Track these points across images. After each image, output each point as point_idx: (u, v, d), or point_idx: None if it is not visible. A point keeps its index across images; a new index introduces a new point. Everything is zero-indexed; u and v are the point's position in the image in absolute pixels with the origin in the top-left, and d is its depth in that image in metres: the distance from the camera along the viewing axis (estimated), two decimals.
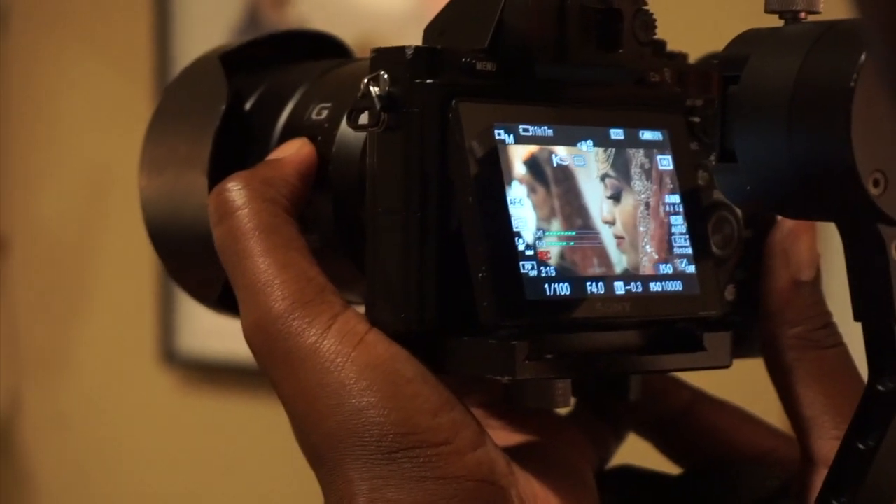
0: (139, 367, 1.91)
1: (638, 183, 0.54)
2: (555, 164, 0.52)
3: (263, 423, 1.67)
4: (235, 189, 0.53)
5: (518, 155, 0.51)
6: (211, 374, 1.85)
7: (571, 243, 0.51)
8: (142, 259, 1.80)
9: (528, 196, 0.51)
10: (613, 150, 0.53)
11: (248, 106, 0.61)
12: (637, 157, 0.54)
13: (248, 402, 1.80)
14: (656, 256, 0.53)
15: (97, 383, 1.96)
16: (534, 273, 0.50)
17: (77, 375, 1.98)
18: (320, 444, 0.51)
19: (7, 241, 2.02)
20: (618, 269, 0.52)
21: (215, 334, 1.77)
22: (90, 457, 1.97)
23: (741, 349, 0.56)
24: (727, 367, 0.54)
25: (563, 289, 0.51)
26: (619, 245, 0.53)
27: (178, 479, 1.90)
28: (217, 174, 0.57)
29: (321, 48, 0.64)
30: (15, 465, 2.03)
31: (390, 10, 1.67)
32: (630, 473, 0.61)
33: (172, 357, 1.87)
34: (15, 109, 2.01)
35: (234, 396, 1.83)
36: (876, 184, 0.47)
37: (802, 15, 0.51)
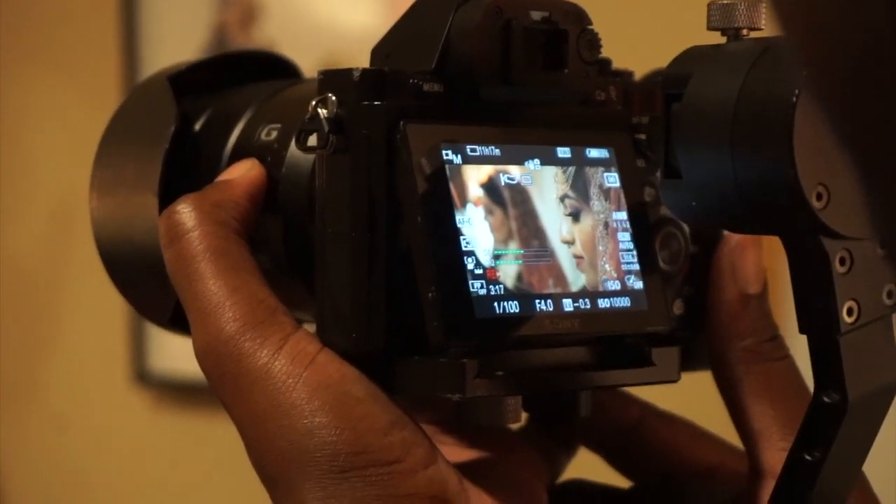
0: (112, 388, 1.89)
1: (597, 203, 0.54)
2: (503, 183, 0.52)
3: (237, 443, 1.66)
4: (185, 211, 0.53)
5: (470, 177, 0.52)
6: (184, 394, 1.84)
7: (527, 262, 0.52)
8: None
9: (486, 218, 0.51)
10: (573, 171, 0.54)
11: (197, 127, 0.61)
12: (596, 177, 0.54)
13: (222, 422, 1.78)
14: (614, 274, 0.54)
15: (70, 406, 1.94)
16: (483, 291, 0.51)
17: (49, 398, 1.96)
18: (273, 465, 0.51)
19: None
20: (574, 289, 0.53)
21: (187, 354, 1.74)
22: (64, 479, 1.96)
23: (690, 363, 0.57)
24: (675, 381, 0.55)
25: (512, 307, 0.51)
26: (578, 265, 0.53)
27: (152, 500, 1.89)
28: (167, 196, 0.57)
29: (270, 69, 0.65)
30: None
31: (357, 30, 1.65)
32: (581, 488, 0.61)
33: (145, 378, 1.86)
34: None
35: (207, 416, 1.82)
36: (819, 197, 0.47)
37: (744, 32, 0.51)
